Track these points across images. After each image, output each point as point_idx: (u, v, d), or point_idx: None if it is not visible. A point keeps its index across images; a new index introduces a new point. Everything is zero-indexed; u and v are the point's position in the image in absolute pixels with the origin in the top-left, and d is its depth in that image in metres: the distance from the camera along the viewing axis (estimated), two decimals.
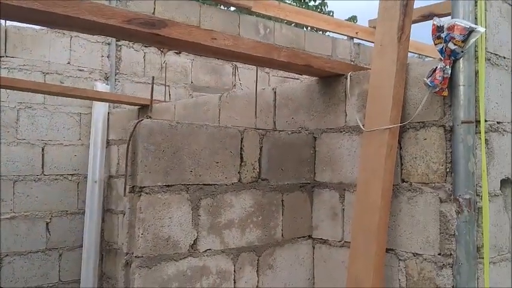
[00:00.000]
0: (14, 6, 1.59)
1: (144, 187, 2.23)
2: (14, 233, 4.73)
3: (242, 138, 2.66)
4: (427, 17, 6.96)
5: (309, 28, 8.29)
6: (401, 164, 2.53)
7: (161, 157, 2.30)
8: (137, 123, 2.24)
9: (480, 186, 2.25)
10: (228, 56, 2.32)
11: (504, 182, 2.44)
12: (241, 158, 2.66)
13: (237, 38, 2.18)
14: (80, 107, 5.07)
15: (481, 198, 2.24)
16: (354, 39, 8.19)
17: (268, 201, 2.76)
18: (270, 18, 7.49)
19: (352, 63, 8.23)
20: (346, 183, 2.81)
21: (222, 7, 7.34)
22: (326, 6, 15.54)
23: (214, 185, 2.52)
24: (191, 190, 2.41)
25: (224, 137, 2.57)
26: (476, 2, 2.30)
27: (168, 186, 2.31)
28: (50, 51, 4.87)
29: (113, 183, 5.08)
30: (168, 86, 5.56)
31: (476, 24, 2.26)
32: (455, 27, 2.21)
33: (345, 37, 8.17)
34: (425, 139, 2.43)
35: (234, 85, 4.53)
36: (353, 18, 14.39)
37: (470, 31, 2.20)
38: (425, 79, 2.31)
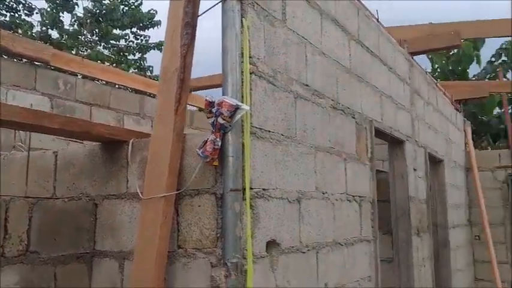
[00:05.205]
0: None
1: None
2: None
3: (7, 209, 2.42)
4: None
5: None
6: (179, 231, 2.59)
7: None
8: None
9: (247, 250, 2.41)
10: None
11: (270, 244, 2.67)
12: (6, 230, 2.41)
13: None
14: None
15: (247, 261, 2.40)
16: None
17: (38, 276, 2.53)
18: (74, 74, 7.23)
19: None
20: (126, 251, 2.74)
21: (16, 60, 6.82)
22: (145, 61, 15.92)
23: None
24: None
25: None
26: (243, 82, 2.55)
27: None
28: None
29: None
30: None
31: (242, 102, 2.50)
32: (223, 103, 2.40)
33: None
34: (199, 206, 2.54)
35: (14, 146, 4.15)
36: None
37: (236, 108, 2.41)
38: (198, 150, 2.45)
